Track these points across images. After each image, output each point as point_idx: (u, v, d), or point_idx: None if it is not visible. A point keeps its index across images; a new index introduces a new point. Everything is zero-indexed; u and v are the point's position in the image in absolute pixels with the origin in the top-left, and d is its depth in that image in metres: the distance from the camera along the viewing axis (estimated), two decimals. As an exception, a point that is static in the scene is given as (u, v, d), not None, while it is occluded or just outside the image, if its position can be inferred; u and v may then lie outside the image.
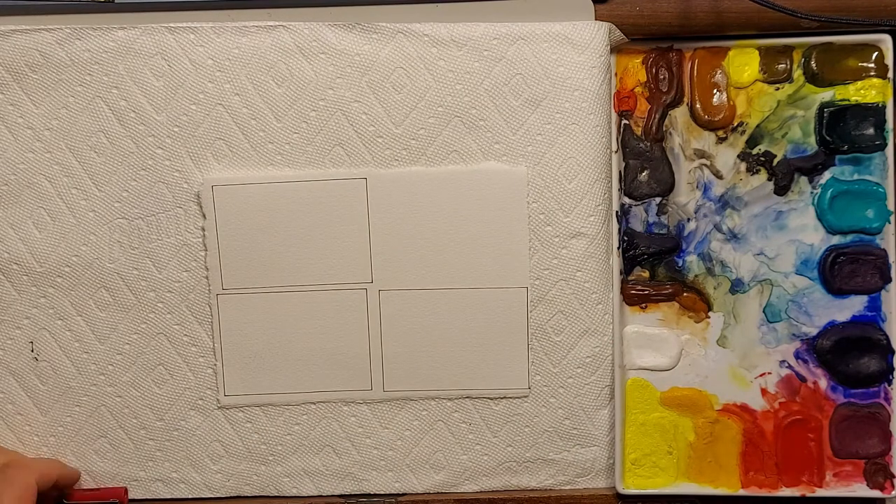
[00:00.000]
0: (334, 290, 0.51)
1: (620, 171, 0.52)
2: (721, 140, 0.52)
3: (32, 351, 0.52)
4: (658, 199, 0.52)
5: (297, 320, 0.52)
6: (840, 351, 0.52)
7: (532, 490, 0.54)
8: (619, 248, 0.52)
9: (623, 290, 0.53)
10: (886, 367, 0.52)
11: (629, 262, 0.53)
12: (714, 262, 0.53)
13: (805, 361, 0.53)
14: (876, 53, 0.51)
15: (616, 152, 0.52)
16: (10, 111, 0.50)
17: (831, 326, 0.52)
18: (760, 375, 0.53)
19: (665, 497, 0.54)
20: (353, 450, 0.53)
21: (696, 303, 0.53)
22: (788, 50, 0.52)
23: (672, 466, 0.53)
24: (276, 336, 0.52)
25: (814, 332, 0.53)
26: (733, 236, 0.52)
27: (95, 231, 0.51)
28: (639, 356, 0.53)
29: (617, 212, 0.52)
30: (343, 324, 0.52)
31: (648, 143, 0.52)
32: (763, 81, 0.52)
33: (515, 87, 0.50)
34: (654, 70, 0.52)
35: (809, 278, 0.52)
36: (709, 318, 0.53)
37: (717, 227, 0.52)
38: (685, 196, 0.52)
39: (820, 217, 0.52)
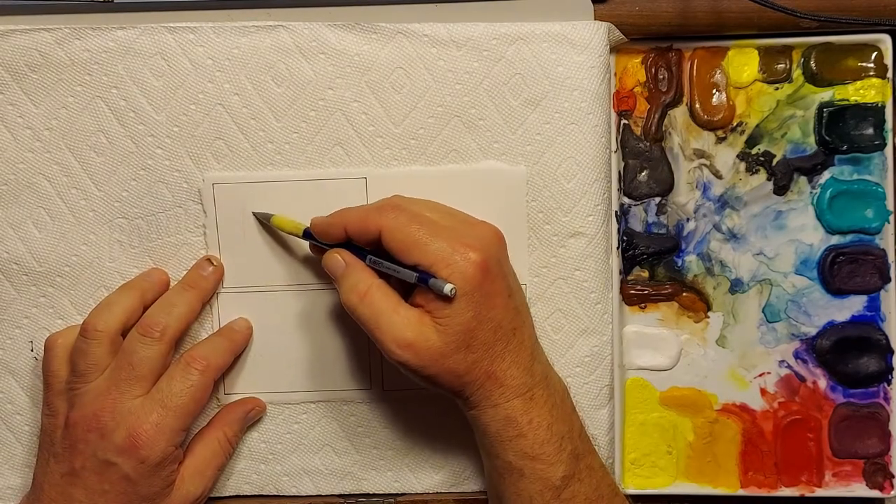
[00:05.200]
0: (334, 289, 0.52)
1: (620, 171, 0.53)
2: (720, 140, 0.53)
3: (32, 350, 0.53)
4: (657, 199, 0.53)
5: (297, 319, 0.53)
6: (839, 351, 0.53)
7: (531, 490, 0.54)
8: (618, 248, 0.53)
9: (622, 290, 0.54)
10: (885, 367, 0.53)
11: (628, 261, 0.54)
12: (713, 261, 0.54)
13: (804, 361, 0.54)
14: (875, 53, 0.52)
15: (615, 152, 0.53)
16: (9, 111, 0.51)
17: (830, 326, 0.54)
18: (760, 375, 0.54)
19: (664, 497, 0.55)
20: (352, 449, 0.54)
21: (696, 303, 0.54)
22: (788, 50, 0.53)
23: (671, 466, 0.54)
24: (276, 335, 0.53)
25: (813, 331, 0.54)
26: (733, 236, 0.53)
27: (95, 230, 0.52)
28: (638, 356, 0.54)
29: (616, 212, 0.53)
30: (343, 323, 0.53)
31: (648, 143, 0.53)
32: (762, 81, 0.53)
33: (515, 87, 0.51)
34: (653, 70, 0.53)
35: (809, 278, 0.53)
36: (708, 317, 0.54)
37: (717, 227, 0.53)
38: (684, 196, 0.53)
39: (819, 217, 0.53)
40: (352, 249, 0.48)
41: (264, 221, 0.51)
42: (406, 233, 0.45)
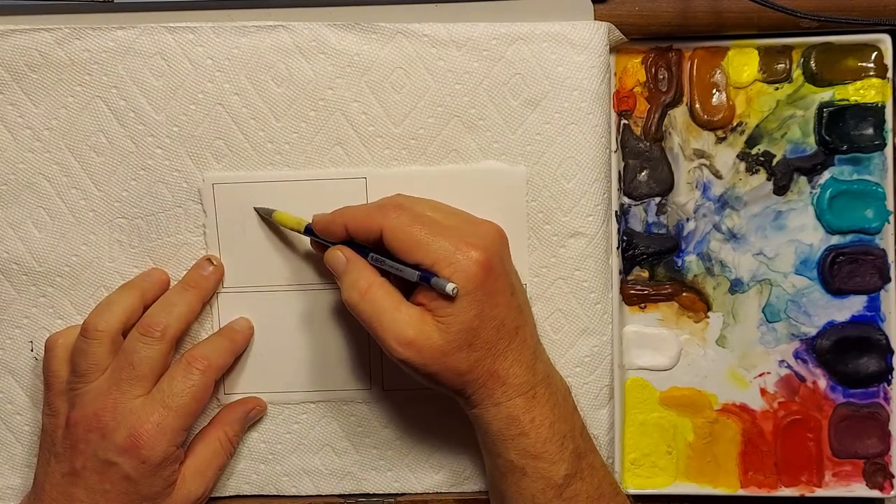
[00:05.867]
0: (334, 288, 0.52)
1: (620, 171, 0.53)
2: (720, 140, 0.53)
3: (32, 350, 0.53)
4: (657, 199, 0.54)
5: (298, 319, 0.53)
6: (839, 351, 0.54)
7: (531, 490, 0.54)
8: (618, 248, 0.54)
9: (622, 290, 0.54)
10: (885, 367, 0.54)
11: (628, 261, 0.54)
12: (713, 261, 0.54)
13: (804, 361, 0.54)
14: (875, 53, 0.52)
15: (615, 152, 0.53)
16: (9, 111, 0.52)
17: (830, 326, 0.54)
18: (759, 375, 0.54)
19: (664, 497, 0.55)
20: (352, 449, 0.54)
21: (696, 303, 0.54)
22: (788, 50, 0.53)
23: (671, 466, 0.55)
24: (276, 335, 0.53)
25: (813, 331, 0.54)
26: (732, 236, 0.54)
27: (95, 230, 0.52)
28: (638, 356, 0.54)
29: (616, 212, 0.53)
30: (343, 323, 0.53)
31: (648, 143, 0.53)
32: (762, 81, 0.53)
33: (514, 87, 0.51)
34: (653, 70, 0.53)
35: (809, 278, 0.54)
36: (708, 317, 0.54)
37: (717, 227, 0.54)
38: (684, 196, 0.54)
39: (819, 217, 0.53)
40: (354, 247, 0.48)
41: (266, 217, 0.52)
42: (408, 232, 0.45)
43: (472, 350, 0.45)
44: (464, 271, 0.44)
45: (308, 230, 0.50)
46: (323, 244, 0.49)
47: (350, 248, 0.48)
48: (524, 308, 0.48)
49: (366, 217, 0.47)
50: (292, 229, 0.51)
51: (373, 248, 0.47)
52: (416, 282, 0.45)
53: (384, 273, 0.47)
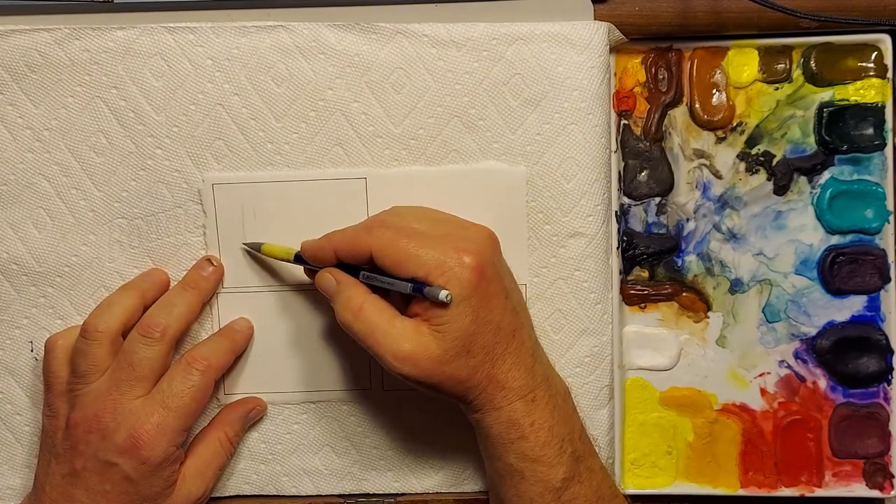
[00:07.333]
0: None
1: (620, 171, 0.54)
2: (720, 140, 0.53)
3: (32, 351, 0.53)
4: (657, 199, 0.54)
5: (297, 319, 0.53)
6: (839, 351, 0.54)
7: (531, 490, 0.55)
8: (618, 248, 0.54)
9: (622, 290, 0.54)
10: (885, 367, 0.54)
11: (628, 261, 0.54)
12: (713, 262, 0.54)
13: (804, 361, 0.54)
14: (875, 53, 0.52)
15: (615, 152, 0.53)
16: (9, 111, 0.52)
17: (830, 326, 0.54)
18: (759, 375, 0.54)
19: (664, 497, 0.55)
20: (352, 449, 0.54)
21: (696, 303, 0.54)
22: (788, 50, 0.53)
23: (671, 466, 0.55)
24: (276, 335, 0.53)
25: (813, 331, 0.54)
26: (732, 236, 0.54)
27: (95, 231, 0.52)
28: (638, 356, 0.54)
29: (616, 212, 0.53)
30: (342, 323, 0.53)
31: (648, 143, 0.53)
32: (762, 81, 0.53)
33: (514, 87, 0.51)
34: (653, 70, 0.53)
35: (809, 278, 0.54)
36: (708, 318, 0.54)
37: (717, 227, 0.54)
38: (684, 196, 0.54)
39: (819, 217, 0.53)
40: (344, 267, 0.48)
41: (255, 251, 0.52)
42: (396, 248, 0.45)
43: (470, 356, 0.45)
44: (457, 278, 0.44)
45: (298, 258, 0.50)
46: (315, 271, 0.49)
47: (340, 268, 0.48)
48: (520, 310, 0.48)
49: (353, 239, 0.47)
50: (282, 260, 0.51)
51: (364, 266, 0.47)
52: (411, 294, 0.45)
53: (378, 290, 0.47)
